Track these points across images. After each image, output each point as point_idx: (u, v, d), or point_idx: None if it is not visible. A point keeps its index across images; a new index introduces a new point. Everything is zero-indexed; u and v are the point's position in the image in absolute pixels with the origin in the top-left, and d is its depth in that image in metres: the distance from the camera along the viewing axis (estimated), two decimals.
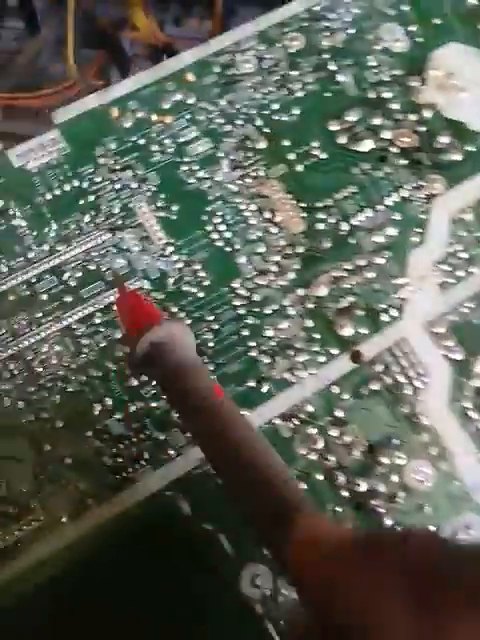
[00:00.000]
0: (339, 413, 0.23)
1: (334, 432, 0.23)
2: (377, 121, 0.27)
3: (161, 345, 0.18)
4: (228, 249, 0.25)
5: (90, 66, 0.32)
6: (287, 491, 0.15)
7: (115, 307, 0.22)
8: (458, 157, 0.27)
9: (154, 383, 0.23)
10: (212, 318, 0.24)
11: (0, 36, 0.39)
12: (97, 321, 0.23)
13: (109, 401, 0.22)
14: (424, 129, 0.27)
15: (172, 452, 0.22)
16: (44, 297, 0.23)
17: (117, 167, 0.25)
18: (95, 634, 0.20)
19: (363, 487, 0.23)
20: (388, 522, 0.22)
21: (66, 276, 0.24)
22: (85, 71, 0.32)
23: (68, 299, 0.24)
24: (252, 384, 0.23)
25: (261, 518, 0.15)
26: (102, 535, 0.21)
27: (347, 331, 0.24)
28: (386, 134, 0.27)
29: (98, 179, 0.25)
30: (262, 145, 0.26)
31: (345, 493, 0.23)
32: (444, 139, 0.27)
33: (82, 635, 0.20)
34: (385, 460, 0.23)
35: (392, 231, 0.26)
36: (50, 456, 0.22)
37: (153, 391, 0.23)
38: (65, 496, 0.21)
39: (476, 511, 0.23)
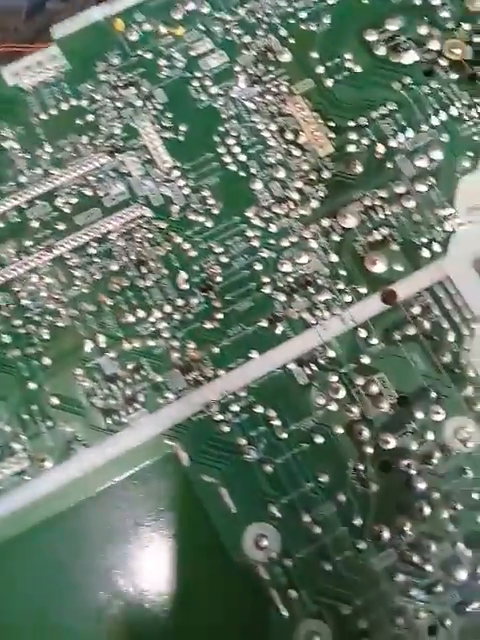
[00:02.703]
0: (365, 360, 0.23)
1: (359, 381, 0.22)
2: (423, 31, 0.26)
3: None
4: (242, 174, 0.24)
5: None
6: None
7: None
8: None
9: (152, 320, 0.23)
10: (221, 250, 0.24)
11: None
12: (92, 251, 0.23)
13: (102, 338, 0.22)
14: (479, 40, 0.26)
15: (170, 396, 0.22)
16: (35, 224, 0.24)
17: (120, 84, 0.25)
18: (77, 591, 0.21)
19: (391, 444, 0.22)
20: (420, 486, 0.21)
21: (59, 202, 0.24)
22: None
23: (61, 227, 0.24)
24: (264, 324, 0.23)
25: None
26: (90, 483, 0.21)
27: (379, 268, 0.23)
28: (434, 45, 0.26)
29: (98, 97, 0.25)
30: (286, 58, 0.26)
31: (369, 449, 0.22)
32: None
33: (64, 590, 0.21)
34: (419, 415, 0.22)
35: (437, 154, 0.24)
36: (36, 395, 0.22)
37: (151, 328, 0.23)
38: (51, 439, 0.22)
39: None
